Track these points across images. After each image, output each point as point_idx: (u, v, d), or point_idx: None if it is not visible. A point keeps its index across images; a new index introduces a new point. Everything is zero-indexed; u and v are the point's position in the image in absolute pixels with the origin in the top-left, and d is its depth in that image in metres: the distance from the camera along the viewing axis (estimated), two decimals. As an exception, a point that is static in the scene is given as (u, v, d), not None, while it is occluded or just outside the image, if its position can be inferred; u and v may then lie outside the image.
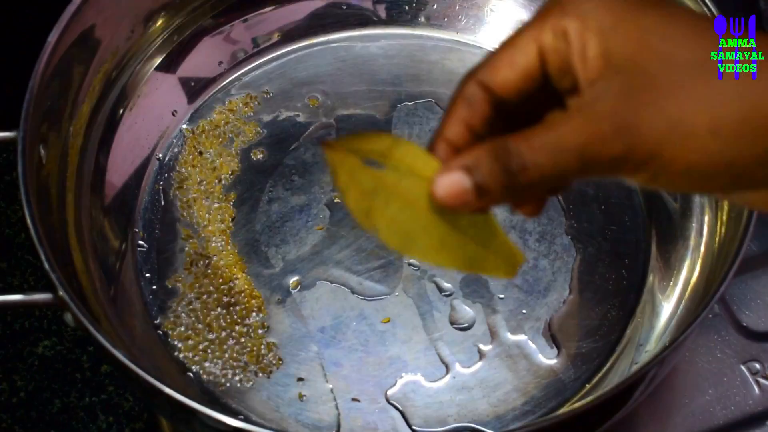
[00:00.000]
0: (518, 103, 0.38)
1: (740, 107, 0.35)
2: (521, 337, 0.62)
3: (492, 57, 0.39)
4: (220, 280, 0.64)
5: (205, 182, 0.67)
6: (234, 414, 0.59)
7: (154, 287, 0.64)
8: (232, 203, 0.67)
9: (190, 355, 0.61)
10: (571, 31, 0.37)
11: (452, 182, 0.36)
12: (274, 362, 0.61)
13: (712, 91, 0.35)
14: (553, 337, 0.62)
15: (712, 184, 0.37)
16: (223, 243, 0.65)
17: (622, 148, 0.35)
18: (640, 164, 0.36)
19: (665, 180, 0.36)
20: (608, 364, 0.61)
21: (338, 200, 0.67)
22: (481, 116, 0.38)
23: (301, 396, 0.60)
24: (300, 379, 0.61)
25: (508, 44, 0.38)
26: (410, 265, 0.64)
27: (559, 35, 0.37)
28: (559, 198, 0.67)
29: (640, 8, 0.36)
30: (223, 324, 0.62)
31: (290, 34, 0.74)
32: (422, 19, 0.75)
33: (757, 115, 0.35)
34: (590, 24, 0.36)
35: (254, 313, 0.62)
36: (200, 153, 0.69)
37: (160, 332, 0.62)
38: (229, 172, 0.68)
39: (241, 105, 0.71)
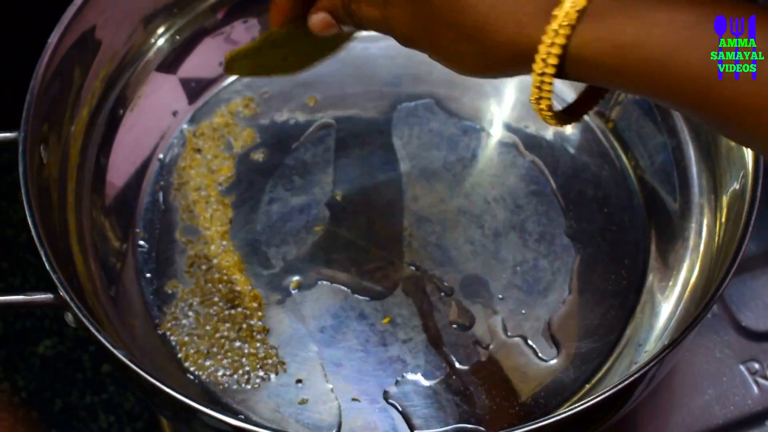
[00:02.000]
0: None
1: None
2: (521, 337, 0.62)
3: None
4: (221, 281, 0.64)
5: (205, 183, 0.68)
6: (234, 414, 0.59)
7: (155, 287, 0.64)
8: (232, 204, 0.67)
9: (191, 354, 0.61)
10: None
11: (322, 17, 0.50)
12: (274, 362, 0.61)
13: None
14: (552, 337, 0.62)
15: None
16: (224, 243, 0.65)
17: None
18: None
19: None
20: (608, 364, 0.61)
21: (339, 199, 0.67)
22: None
23: (301, 396, 0.60)
24: (300, 380, 0.61)
25: None
26: (410, 265, 0.65)
27: None
28: (559, 198, 0.67)
29: None
30: (224, 324, 0.62)
31: (290, 35, 0.74)
32: (422, 19, 0.75)
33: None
34: None
35: (254, 313, 0.62)
36: (199, 151, 0.69)
37: (161, 332, 0.62)
38: (229, 173, 0.68)
39: (241, 107, 0.71)
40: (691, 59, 0.38)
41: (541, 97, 0.42)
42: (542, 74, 0.41)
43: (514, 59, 0.42)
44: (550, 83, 0.42)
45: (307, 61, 0.58)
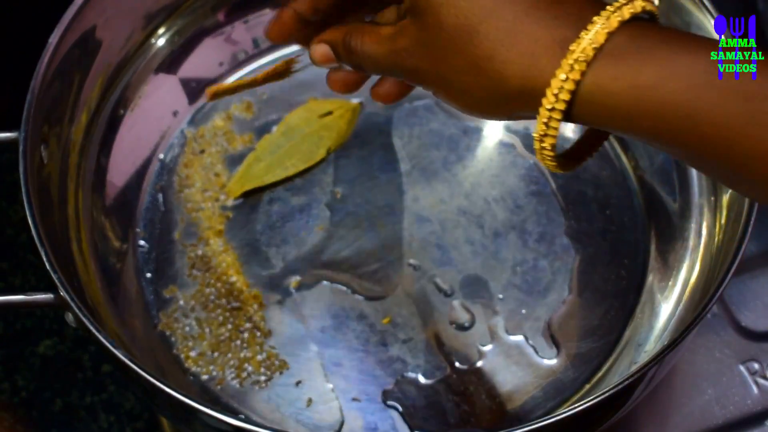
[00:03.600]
0: None
1: None
2: (521, 337, 0.62)
3: None
4: (221, 281, 0.64)
5: (205, 183, 0.68)
6: (234, 414, 0.59)
7: (155, 287, 0.64)
8: (232, 204, 0.67)
9: (191, 354, 0.61)
10: None
11: (322, 50, 0.50)
12: (274, 362, 0.61)
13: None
14: (552, 337, 0.62)
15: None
16: (223, 243, 0.65)
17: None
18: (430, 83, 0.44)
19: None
20: (608, 364, 0.62)
21: (339, 197, 0.67)
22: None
23: (301, 396, 0.60)
24: (300, 380, 0.61)
25: None
26: (410, 265, 0.65)
27: None
28: (559, 198, 0.67)
29: None
30: (224, 324, 0.62)
31: (291, 35, 0.74)
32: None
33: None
34: None
35: (254, 313, 0.63)
36: (201, 152, 0.69)
37: (161, 332, 0.62)
38: (229, 173, 0.68)
39: (241, 108, 0.71)
40: (714, 104, 0.36)
41: (546, 135, 0.41)
42: (552, 109, 0.40)
43: (522, 94, 0.40)
44: (558, 120, 0.40)
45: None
